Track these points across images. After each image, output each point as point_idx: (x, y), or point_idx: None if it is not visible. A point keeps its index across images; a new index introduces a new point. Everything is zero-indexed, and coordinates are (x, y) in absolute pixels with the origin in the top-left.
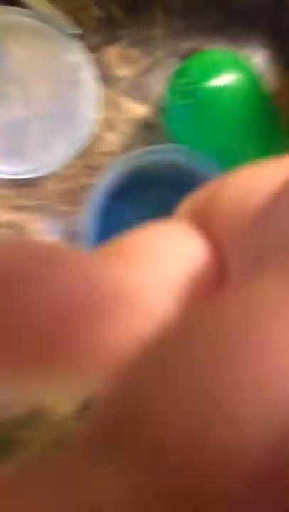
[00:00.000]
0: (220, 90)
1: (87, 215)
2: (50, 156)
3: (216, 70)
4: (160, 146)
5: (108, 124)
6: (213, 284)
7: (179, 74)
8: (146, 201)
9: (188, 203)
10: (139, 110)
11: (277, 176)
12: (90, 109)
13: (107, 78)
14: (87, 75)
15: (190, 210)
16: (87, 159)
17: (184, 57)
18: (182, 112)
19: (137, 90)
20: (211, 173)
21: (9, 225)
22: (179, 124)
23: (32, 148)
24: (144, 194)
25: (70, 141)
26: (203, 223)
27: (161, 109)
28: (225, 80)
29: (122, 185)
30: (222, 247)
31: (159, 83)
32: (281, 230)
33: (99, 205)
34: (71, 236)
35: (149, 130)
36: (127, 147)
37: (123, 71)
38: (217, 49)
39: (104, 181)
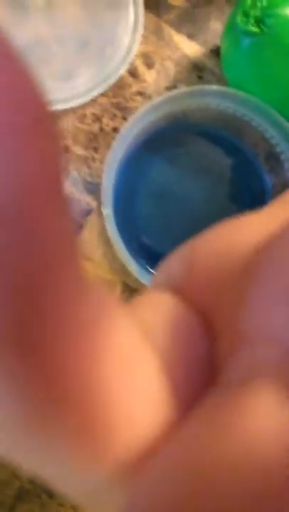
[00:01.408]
0: None
1: (108, 166)
2: (71, 89)
3: None
4: (208, 87)
5: (147, 60)
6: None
7: None
8: (183, 156)
9: (162, 273)
10: (187, 47)
11: (249, 236)
12: (127, 38)
13: (155, 4)
14: None
15: (167, 281)
16: (114, 98)
17: None
18: (244, 46)
19: (189, 23)
20: (268, 130)
21: None
22: (238, 64)
23: (52, 76)
24: (181, 147)
25: (98, 74)
26: (183, 294)
27: (216, 47)
28: None
29: (154, 133)
30: (206, 317)
31: (216, 19)
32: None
33: (124, 156)
34: (88, 187)
35: (195, 72)
36: (166, 90)
37: None
38: None
39: (133, 127)
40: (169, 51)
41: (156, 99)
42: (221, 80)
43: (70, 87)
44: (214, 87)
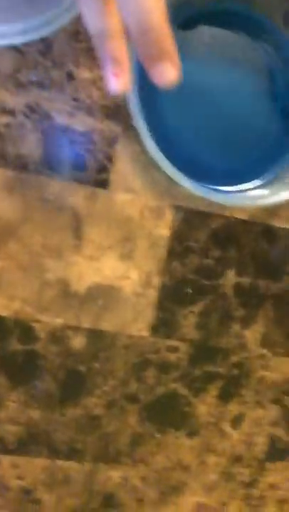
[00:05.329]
0: None
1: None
2: (56, 4)
3: None
4: None
5: None
6: None
7: None
8: (196, 47)
9: None
10: None
11: None
12: None
13: None
14: None
15: None
16: None
17: None
18: None
19: None
20: None
21: (21, 109)
22: None
23: None
24: (190, 36)
25: None
26: None
27: None
28: None
29: None
30: None
31: None
32: None
33: (137, 65)
34: (106, 113)
35: None
36: None
37: None
38: None
39: None
40: None
41: None
42: None
43: (54, 1)
44: None
